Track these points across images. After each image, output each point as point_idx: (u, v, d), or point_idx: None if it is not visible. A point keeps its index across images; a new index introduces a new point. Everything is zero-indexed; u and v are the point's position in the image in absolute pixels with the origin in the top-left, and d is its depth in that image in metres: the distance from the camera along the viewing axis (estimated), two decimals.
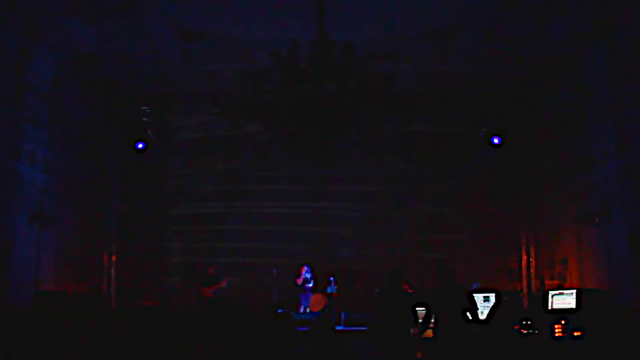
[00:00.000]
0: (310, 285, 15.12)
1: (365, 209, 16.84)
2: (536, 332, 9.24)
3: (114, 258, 16.16)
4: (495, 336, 8.02)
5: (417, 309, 7.93)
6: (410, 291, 13.63)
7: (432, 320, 7.60)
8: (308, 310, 14.75)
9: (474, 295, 8.00)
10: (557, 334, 9.02)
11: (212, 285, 14.64)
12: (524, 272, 15.91)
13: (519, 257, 16.06)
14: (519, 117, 16.15)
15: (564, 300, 9.55)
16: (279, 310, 10.52)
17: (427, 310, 7.70)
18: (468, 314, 7.38)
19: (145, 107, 16.36)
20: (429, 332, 7.71)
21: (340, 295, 14.92)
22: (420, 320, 7.75)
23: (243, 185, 16.97)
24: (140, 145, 15.39)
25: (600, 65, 12.50)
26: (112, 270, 16.09)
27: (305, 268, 15.25)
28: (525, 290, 15.69)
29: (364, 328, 10.57)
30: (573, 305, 9.36)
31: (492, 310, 8.24)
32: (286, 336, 8.43)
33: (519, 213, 16.33)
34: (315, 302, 14.97)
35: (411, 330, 7.72)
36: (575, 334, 8.82)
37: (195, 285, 14.93)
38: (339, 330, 11.98)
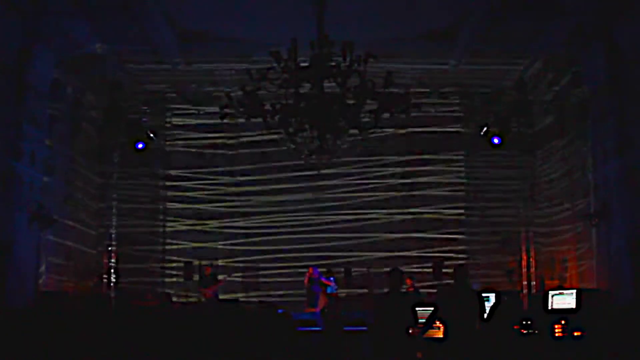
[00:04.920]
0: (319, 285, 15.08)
1: (366, 209, 16.84)
2: (536, 332, 9.23)
3: (114, 258, 16.17)
4: (495, 336, 8.01)
5: (417, 309, 7.92)
6: (411, 290, 13.66)
7: (438, 322, 7.59)
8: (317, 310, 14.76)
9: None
10: (557, 334, 9.01)
11: (210, 286, 14.63)
12: (524, 272, 15.90)
13: (519, 257, 16.06)
14: (520, 116, 16.14)
15: (564, 300, 9.54)
16: (279, 311, 10.50)
17: (434, 310, 7.69)
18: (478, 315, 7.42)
19: (145, 107, 16.37)
20: (433, 332, 7.70)
21: (340, 295, 14.92)
22: (420, 320, 7.73)
23: (243, 185, 16.98)
24: (140, 145, 15.37)
25: (600, 65, 12.50)
26: (112, 270, 16.09)
27: (313, 270, 15.22)
28: (525, 290, 15.69)
29: (364, 328, 10.55)
30: (573, 305, 9.35)
31: (492, 310, 8.23)
32: (286, 336, 8.43)
33: (518, 213, 16.33)
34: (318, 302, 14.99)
35: (411, 330, 7.71)
36: (575, 334, 8.81)
37: (196, 287, 14.93)
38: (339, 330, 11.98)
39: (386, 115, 9.41)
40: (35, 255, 12.45)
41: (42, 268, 12.88)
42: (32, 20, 11.95)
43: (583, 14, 12.03)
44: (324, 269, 15.25)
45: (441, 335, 7.63)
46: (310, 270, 15.17)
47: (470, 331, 7.39)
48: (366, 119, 9.42)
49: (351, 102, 9.26)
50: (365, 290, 15.60)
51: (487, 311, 8.27)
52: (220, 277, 14.97)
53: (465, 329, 7.37)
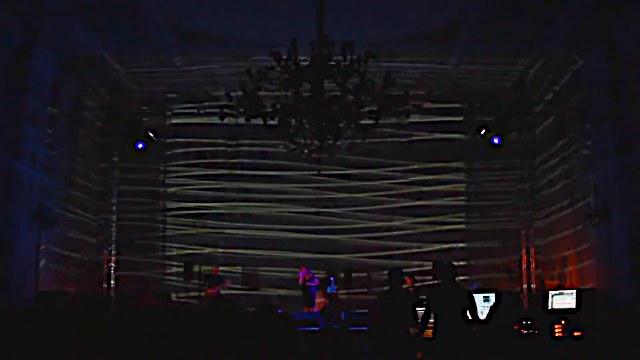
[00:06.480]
0: (314, 284, 15.13)
1: (366, 209, 16.85)
2: (536, 332, 9.24)
3: (114, 258, 16.18)
4: (495, 336, 8.02)
5: (417, 309, 7.92)
6: (411, 289, 13.65)
7: (432, 320, 7.56)
8: (315, 309, 14.80)
9: (474, 295, 7.98)
10: (557, 334, 9.03)
11: (215, 286, 14.66)
12: (524, 272, 15.90)
13: (519, 257, 16.06)
14: (519, 116, 16.15)
15: (564, 300, 9.55)
16: (279, 311, 10.50)
17: (427, 309, 7.68)
18: (468, 313, 7.35)
19: (145, 107, 16.37)
20: (429, 332, 7.69)
21: (340, 295, 14.92)
22: (420, 320, 7.73)
23: (243, 186, 16.98)
24: (140, 145, 15.37)
25: (600, 65, 12.50)
26: (112, 270, 16.11)
27: (305, 269, 15.28)
28: (525, 290, 15.69)
29: (364, 328, 10.55)
30: (573, 305, 9.36)
31: (492, 310, 8.24)
32: (286, 336, 8.43)
33: (519, 213, 16.33)
34: (316, 302, 15.01)
35: (411, 330, 7.70)
36: (575, 334, 8.82)
37: (197, 287, 14.94)
38: (341, 330, 11.98)
39: (386, 115, 9.41)
40: (35, 255, 12.45)
41: (42, 268, 12.87)
42: (32, 20, 11.95)
43: (583, 14, 12.03)
44: (322, 274, 15.27)
45: (430, 335, 7.59)
46: (303, 269, 15.23)
47: (459, 329, 7.32)
48: (366, 119, 9.42)
49: (351, 102, 9.25)
50: (366, 291, 15.59)
51: (487, 311, 8.27)
52: (225, 279, 15.01)
53: (453, 327, 7.30)
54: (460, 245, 16.54)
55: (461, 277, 14.95)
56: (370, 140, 10.05)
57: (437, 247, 16.37)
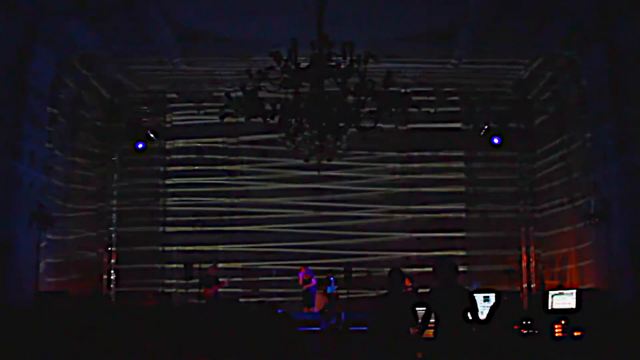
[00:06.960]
0: (314, 284, 15.14)
1: (366, 209, 16.84)
2: (536, 332, 9.23)
3: (114, 258, 16.17)
4: (495, 336, 8.01)
5: (417, 309, 7.91)
6: (409, 289, 13.65)
7: (432, 320, 7.56)
8: (315, 309, 14.80)
9: (474, 295, 7.97)
10: (557, 334, 9.02)
11: (213, 286, 14.66)
12: (524, 272, 15.90)
13: (519, 257, 16.06)
14: (519, 117, 16.16)
15: (564, 300, 9.55)
16: (279, 310, 10.50)
17: (428, 309, 7.67)
18: (468, 314, 7.34)
19: (145, 107, 16.38)
20: (429, 332, 7.68)
21: (340, 295, 14.93)
22: (420, 320, 7.72)
23: (243, 186, 16.98)
24: (140, 145, 15.38)
25: (600, 65, 12.50)
26: (112, 270, 16.10)
27: (305, 270, 15.29)
28: (525, 290, 15.69)
29: (364, 328, 10.55)
30: (573, 305, 9.36)
31: (492, 310, 8.23)
32: (286, 336, 8.44)
33: (519, 213, 16.33)
34: (316, 302, 15.01)
35: (411, 330, 7.70)
36: (575, 334, 8.81)
37: (196, 287, 14.94)
38: (341, 330, 11.97)
39: (386, 114, 9.40)
40: (35, 255, 12.45)
41: (42, 268, 12.87)
42: (32, 20, 11.95)
43: (583, 14, 12.04)
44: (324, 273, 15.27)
45: (431, 335, 7.58)
46: (303, 269, 15.24)
47: (459, 329, 7.31)
48: (366, 119, 9.41)
49: (351, 102, 9.25)
50: (366, 290, 15.58)
51: (487, 311, 8.27)
52: (222, 279, 15.01)
53: (453, 327, 7.30)
54: (460, 238, 16.52)
55: (461, 267, 15.04)
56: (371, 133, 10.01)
57: (436, 247, 16.34)
